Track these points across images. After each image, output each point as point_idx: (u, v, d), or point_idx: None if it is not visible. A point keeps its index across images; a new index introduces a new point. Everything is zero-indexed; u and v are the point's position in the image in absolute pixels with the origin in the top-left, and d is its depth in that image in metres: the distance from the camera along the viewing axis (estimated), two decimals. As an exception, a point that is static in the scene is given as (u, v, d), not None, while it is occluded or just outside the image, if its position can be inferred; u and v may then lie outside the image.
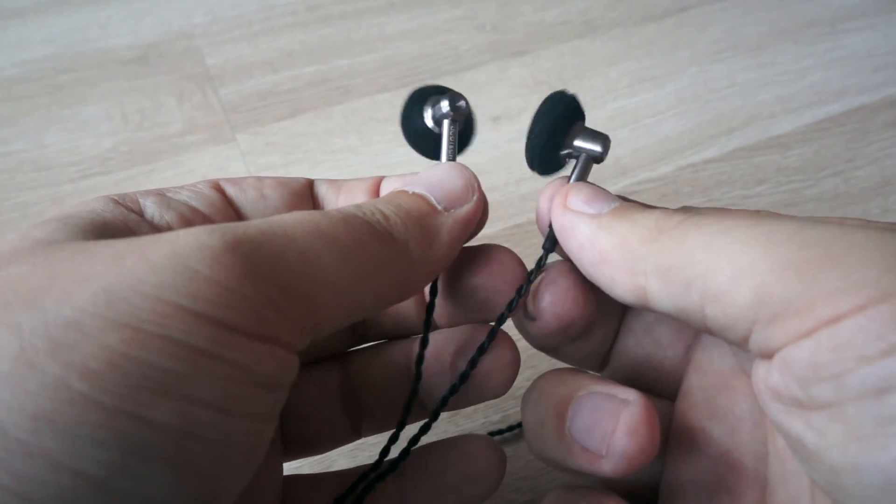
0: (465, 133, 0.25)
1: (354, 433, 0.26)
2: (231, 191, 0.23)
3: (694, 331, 0.23)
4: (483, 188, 0.23)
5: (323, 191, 0.24)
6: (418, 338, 0.23)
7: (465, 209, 0.21)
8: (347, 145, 0.45)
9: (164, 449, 0.14)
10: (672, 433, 0.23)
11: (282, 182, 0.24)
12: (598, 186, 0.22)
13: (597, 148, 0.23)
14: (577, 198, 0.21)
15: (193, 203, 0.22)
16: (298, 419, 0.24)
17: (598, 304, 0.22)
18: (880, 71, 0.49)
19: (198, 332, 0.15)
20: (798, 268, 0.15)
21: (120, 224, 0.19)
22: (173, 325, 0.14)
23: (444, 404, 0.22)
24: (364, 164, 0.44)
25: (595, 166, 0.23)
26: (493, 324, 0.23)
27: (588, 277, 0.21)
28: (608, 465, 0.20)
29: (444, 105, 0.23)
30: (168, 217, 0.21)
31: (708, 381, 0.22)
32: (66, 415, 0.13)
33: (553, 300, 0.22)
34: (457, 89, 0.24)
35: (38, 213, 0.41)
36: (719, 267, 0.17)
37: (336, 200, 0.24)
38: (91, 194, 0.38)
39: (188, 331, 0.14)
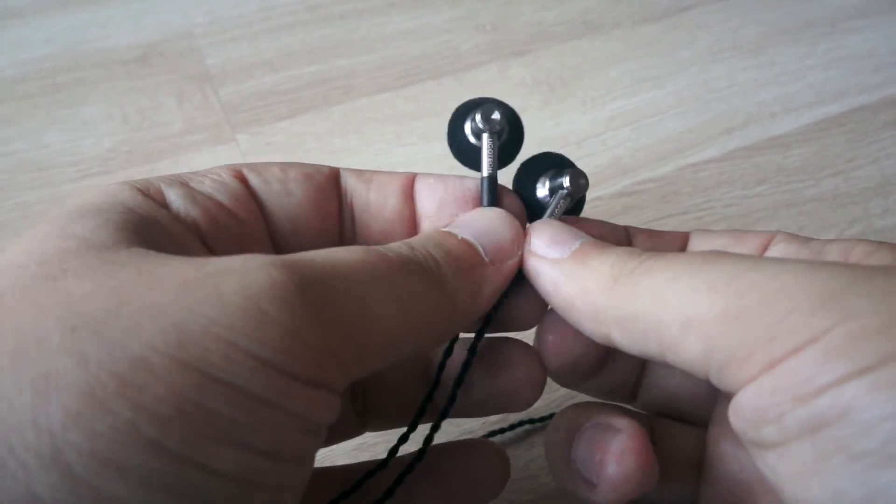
0: (513, 142, 0.24)
1: (360, 428, 0.26)
2: (254, 181, 0.22)
3: None
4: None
5: (351, 184, 0.24)
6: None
7: (510, 264, 0.21)
8: (347, 145, 0.45)
9: (225, 496, 0.14)
10: (705, 459, 0.23)
11: (307, 175, 0.23)
12: (562, 225, 0.22)
13: (562, 182, 0.23)
14: (539, 240, 0.21)
15: (218, 196, 0.21)
16: None
17: None
18: (881, 71, 0.49)
19: (261, 381, 0.15)
20: (738, 317, 0.16)
21: (152, 221, 0.19)
22: (240, 372, 0.14)
23: (443, 416, 0.23)
24: (364, 165, 0.43)
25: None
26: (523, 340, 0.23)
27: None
28: (600, 495, 0.20)
29: (478, 118, 0.23)
30: (194, 213, 0.20)
31: None
32: (137, 461, 0.13)
33: (555, 340, 0.22)
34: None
35: (38, 213, 0.41)
36: (669, 318, 0.17)
37: (367, 196, 0.23)
38: (91, 194, 0.38)
39: (253, 379, 0.15)
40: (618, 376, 0.24)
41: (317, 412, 0.16)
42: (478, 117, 0.23)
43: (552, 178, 0.24)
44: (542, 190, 0.24)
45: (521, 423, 0.32)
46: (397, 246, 0.19)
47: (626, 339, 0.19)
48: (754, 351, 0.16)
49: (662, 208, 0.41)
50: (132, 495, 0.13)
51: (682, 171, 0.43)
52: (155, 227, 0.19)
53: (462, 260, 0.20)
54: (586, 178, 0.24)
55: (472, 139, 0.24)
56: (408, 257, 0.19)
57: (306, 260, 0.17)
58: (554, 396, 0.34)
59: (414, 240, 0.20)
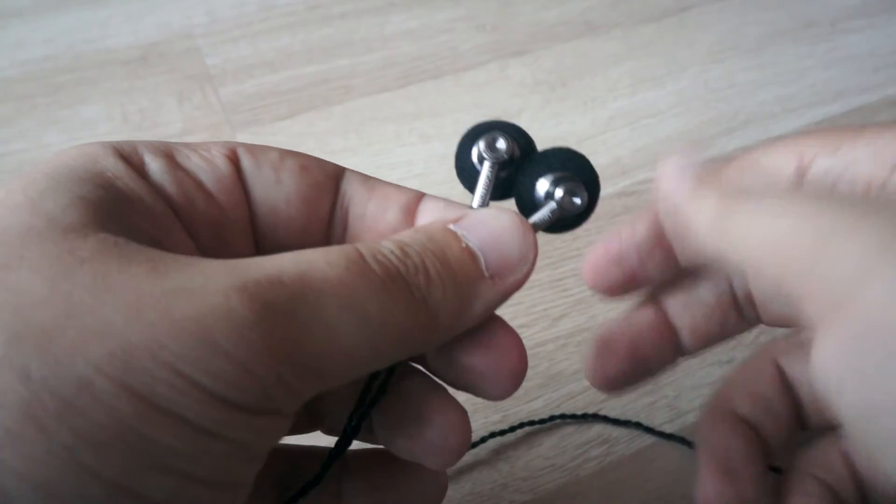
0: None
1: (311, 428, 0.25)
2: (246, 163, 0.21)
3: None
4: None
5: (352, 188, 0.22)
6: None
7: (510, 281, 0.19)
8: (347, 145, 0.45)
9: None
10: None
11: (305, 167, 0.22)
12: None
13: (555, 191, 0.22)
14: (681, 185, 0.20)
15: (202, 177, 0.20)
16: None
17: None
18: (880, 71, 0.49)
19: (207, 413, 0.14)
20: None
21: (129, 196, 0.18)
22: (186, 403, 0.14)
23: (352, 435, 0.21)
24: (364, 165, 0.44)
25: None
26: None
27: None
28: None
29: (482, 145, 0.22)
30: (171, 190, 0.19)
31: None
32: (69, 487, 0.13)
33: (604, 369, 0.23)
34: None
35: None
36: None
37: (366, 207, 0.22)
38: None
39: (199, 410, 0.14)
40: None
41: (262, 439, 0.16)
42: (482, 143, 0.22)
43: (554, 182, 0.22)
44: (541, 189, 0.22)
45: (521, 425, 0.32)
46: (387, 250, 0.18)
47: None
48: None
49: (662, 208, 0.41)
50: None
51: (682, 171, 0.43)
52: (131, 204, 0.18)
53: (458, 274, 0.19)
54: (588, 197, 0.22)
55: (475, 162, 0.22)
56: (395, 270, 0.18)
57: (273, 279, 0.16)
58: (554, 396, 0.34)
59: (410, 242, 0.19)
